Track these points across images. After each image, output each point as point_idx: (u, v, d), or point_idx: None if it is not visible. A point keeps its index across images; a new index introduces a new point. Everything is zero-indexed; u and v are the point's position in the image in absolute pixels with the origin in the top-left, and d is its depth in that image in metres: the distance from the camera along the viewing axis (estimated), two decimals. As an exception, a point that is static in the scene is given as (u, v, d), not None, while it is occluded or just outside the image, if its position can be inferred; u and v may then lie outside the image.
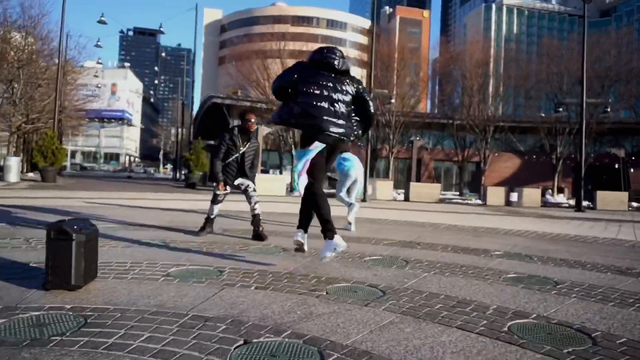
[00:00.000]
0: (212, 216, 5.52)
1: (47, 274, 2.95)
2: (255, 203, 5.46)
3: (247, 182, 5.50)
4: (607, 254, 5.51)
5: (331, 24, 79.62)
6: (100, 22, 23.61)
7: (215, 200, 5.48)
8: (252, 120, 5.46)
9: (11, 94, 24.78)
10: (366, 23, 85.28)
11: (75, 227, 2.97)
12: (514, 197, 19.23)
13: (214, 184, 5.44)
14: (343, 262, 4.18)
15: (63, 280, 2.88)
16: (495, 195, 19.48)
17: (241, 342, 2.16)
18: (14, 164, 17.34)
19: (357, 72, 33.51)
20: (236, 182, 5.49)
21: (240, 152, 5.38)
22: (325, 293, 3.08)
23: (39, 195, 10.01)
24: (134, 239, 5.00)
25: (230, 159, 5.36)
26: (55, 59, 26.11)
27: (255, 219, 5.41)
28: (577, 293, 3.38)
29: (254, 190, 5.55)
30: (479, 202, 20.98)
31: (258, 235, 5.34)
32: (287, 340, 2.19)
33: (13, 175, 16.76)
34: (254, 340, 2.18)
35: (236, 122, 5.97)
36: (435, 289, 3.32)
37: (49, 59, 27.80)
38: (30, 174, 22.00)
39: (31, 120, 27.36)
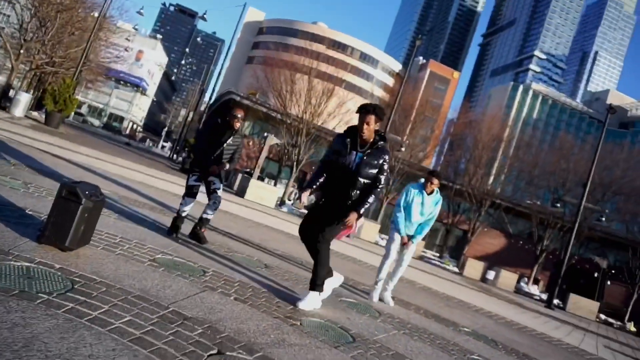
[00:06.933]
0: (183, 214, 4.75)
1: (44, 229, 3.01)
2: (213, 208, 4.84)
3: (215, 179, 4.83)
4: (568, 361, 5.60)
5: (364, 57, 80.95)
6: (149, -10, 24.01)
7: (190, 193, 4.72)
8: (239, 116, 4.81)
9: (43, 33, 24.97)
10: (396, 66, 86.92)
11: (86, 192, 3.05)
12: (490, 275, 19.38)
13: (193, 172, 4.77)
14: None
15: (58, 239, 2.95)
16: (474, 268, 19.60)
17: (215, 351, 2.23)
18: (25, 100, 17.34)
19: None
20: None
21: (223, 144, 4.79)
22: (299, 324, 3.15)
23: (44, 140, 10.04)
24: (127, 212, 5.06)
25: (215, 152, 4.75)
26: (95, 12, 26.55)
27: (202, 222, 4.84)
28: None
29: (220, 191, 4.88)
30: (456, 270, 21.08)
31: (196, 235, 4.78)
32: (257, 362, 2.26)
33: (19, 111, 16.74)
34: (227, 353, 2.25)
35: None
36: (402, 349, 3.40)
37: (90, 10, 28.21)
38: (35, 113, 21.89)
39: (53, 62, 27.52)
